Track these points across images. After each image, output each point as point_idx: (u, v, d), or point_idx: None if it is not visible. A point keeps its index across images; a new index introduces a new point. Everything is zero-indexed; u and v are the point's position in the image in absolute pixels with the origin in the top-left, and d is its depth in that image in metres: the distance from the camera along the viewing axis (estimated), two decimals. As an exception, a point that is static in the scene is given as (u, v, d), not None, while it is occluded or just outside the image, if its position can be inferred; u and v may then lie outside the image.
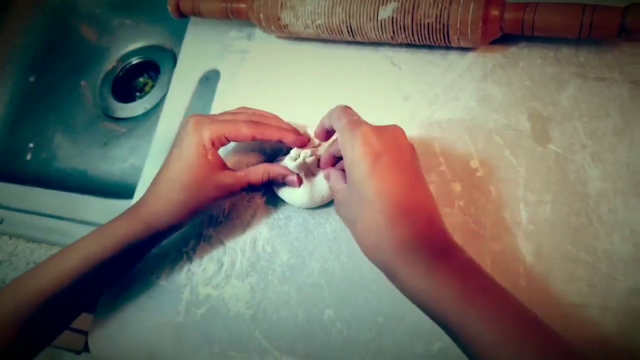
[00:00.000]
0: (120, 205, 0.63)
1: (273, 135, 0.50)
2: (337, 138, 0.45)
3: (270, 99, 0.60)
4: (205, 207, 0.50)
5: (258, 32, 0.65)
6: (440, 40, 0.53)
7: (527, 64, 0.52)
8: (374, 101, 0.56)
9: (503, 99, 0.51)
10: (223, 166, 0.50)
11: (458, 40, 0.52)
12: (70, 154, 0.95)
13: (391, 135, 0.41)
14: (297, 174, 0.50)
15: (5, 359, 0.46)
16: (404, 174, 0.40)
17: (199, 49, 0.67)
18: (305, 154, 0.50)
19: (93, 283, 0.50)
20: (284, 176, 0.50)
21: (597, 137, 0.47)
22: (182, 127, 0.50)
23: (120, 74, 1.01)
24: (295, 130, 0.53)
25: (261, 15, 0.60)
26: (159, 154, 0.62)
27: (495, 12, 0.50)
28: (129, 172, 0.88)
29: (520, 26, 0.50)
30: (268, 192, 0.55)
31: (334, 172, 0.47)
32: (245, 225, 0.55)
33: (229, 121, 0.50)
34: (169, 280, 0.55)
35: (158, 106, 0.94)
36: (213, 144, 0.49)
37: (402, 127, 0.53)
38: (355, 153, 0.40)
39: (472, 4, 0.50)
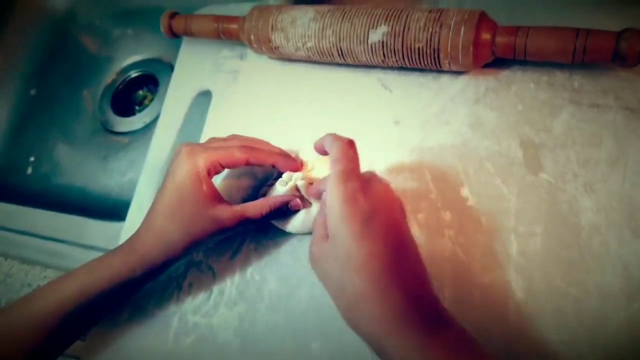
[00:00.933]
0: (116, 228, 0.63)
1: (267, 159, 0.50)
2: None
3: (261, 121, 0.60)
4: (201, 241, 0.49)
5: (250, 51, 0.64)
6: (431, 64, 0.52)
7: (520, 88, 0.51)
8: (365, 125, 0.55)
9: (495, 124, 0.50)
10: (219, 199, 0.49)
11: (449, 64, 0.51)
12: (70, 168, 0.95)
13: (381, 194, 0.40)
14: (297, 197, 0.49)
15: None
16: (394, 237, 0.38)
17: (191, 69, 0.67)
18: (296, 177, 0.49)
19: (87, 314, 0.49)
20: (286, 203, 0.49)
21: (590, 166, 0.46)
22: (175, 156, 0.49)
23: (120, 87, 1.01)
24: (288, 155, 0.52)
25: (252, 37, 0.59)
26: (150, 177, 0.62)
27: (486, 36, 0.49)
28: (127, 186, 0.88)
29: (513, 50, 0.49)
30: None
31: (318, 219, 0.44)
32: (235, 251, 0.54)
33: (222, 147, 0.49)
34: (159, 306, 0.55)
35: (156, 120, 0.94)
36: (208, 173, 0.48)
37: (392, 152, 0.53)
38: (343, 211, 0.38)
39: (462, 27, 0.49)
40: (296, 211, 0.50)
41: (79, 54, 1.03)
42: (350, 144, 0.42)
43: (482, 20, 0.49)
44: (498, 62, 0.51)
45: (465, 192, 0.49)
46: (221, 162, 0.48)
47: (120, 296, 0.50)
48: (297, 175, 0.49)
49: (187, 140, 0.63)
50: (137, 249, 0.49)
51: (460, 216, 0.48)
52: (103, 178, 0.92)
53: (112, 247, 0.63)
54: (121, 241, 0.59)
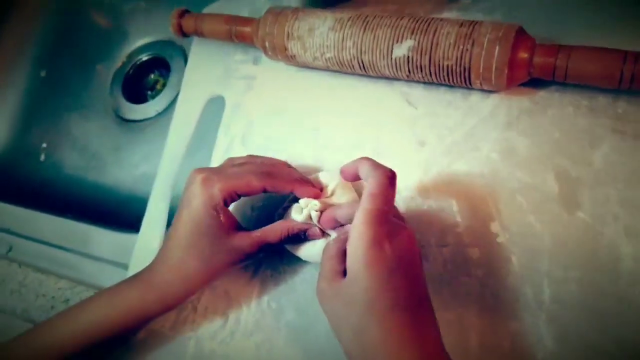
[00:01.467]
0: (131, 241, 0.61)
1: (285, 187, 0.47)
2: (347, 207, 0.42)
3: (277, 133, 0.57)
4: (221, 273, 0.48)
5: (264, 55, 0.60)
6: (461, 82, 0.48)
7: (557, 112, 0.47)
8: (387, 144, 0.52)
9: (528, 152, 0.46)
10: (237, 227, 0.47)
11: (480, 84, 0.47)
12: (82, 157, 0.93)
13: (405, 244, 0.37)
14: (318, 227, 0.46)
15: None
16: (415, 291, 0.37)
17: (203, 74, 0.63)
18: (312, 206, 0.46)
19: (101, 345, 0.48)
20: (304, 230, 0.46)
21: (632, 207, 0.42)
22: (189, 184, 0.47)
23: (131, 71, 0.97)
24: (307, 182, 0.49)
25: (267, 44, 0.55)
26: (163, 190, 0.60)
27: (523, 56, 0.45)
28: (140, 180, 0.86)
29: (552, 72, 0.45)
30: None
31: (329, 251, 0.42)
32: (250, 276, 0.52)
33: (238, 176, 0.46)
34: (174, 329, 0.53)
35: (169, 108, 0.91)
36: (224, 202, 0.45)
37: (417, 176, 0.49)
38: (369, 256, 0.36)
39: (497, 47, 0.44)
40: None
41: (89, 33, 0.99)
42: (392, 178, 0.39)
43: (519, 38, 0.45)
44: (534, 80, 0.47)
45: (495, 227, 0.46)
46: (238, 191, 0.45)
47: (136, 327, 0.49)
48: (312, 204, 0.46)
49: (200, 149, 0.61)
50: (155, 284, 0.47)
51: (489, 254, 0.45)
52: (115, 169, 0.90)
53: (125, 260, 0.62)
54: (134, 257, 0.58)
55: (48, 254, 0.65)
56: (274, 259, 0.52)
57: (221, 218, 0.45)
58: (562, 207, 0.44)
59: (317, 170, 0.51)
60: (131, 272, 0.57)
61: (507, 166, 0.47)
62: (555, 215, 0.44)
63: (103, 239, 0.64)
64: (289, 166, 0.50)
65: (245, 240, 0.46)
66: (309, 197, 0.47)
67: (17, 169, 0.95)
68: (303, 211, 0.46)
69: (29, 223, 0.68)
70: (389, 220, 0.38)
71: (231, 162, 0.50)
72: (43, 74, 1.00)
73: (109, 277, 0.61)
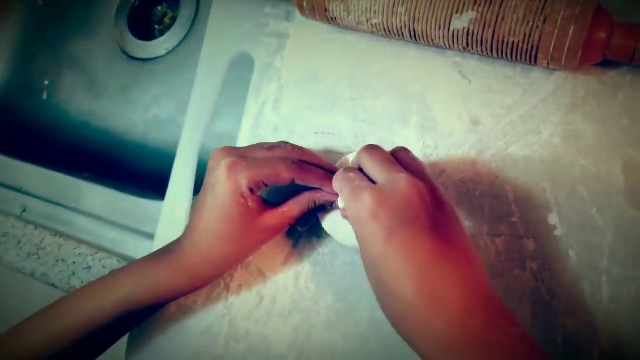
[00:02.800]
0: (152, 208, 0.59)
1: (315, 182, 0.44)
2: None
3: (312, 101, 0.53)
4: (253, 252, 0.47)
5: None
6: (525, 61, 0.44)
7: (629, 96, 0.43)
8: (436, 120, 0.48)
9: (594, 139, 0.43)
10: (265, 207, 0.45)
11: (548, 64, 0.43)
12: (88, 96, 0.89)
13: (401, 200, 0.35)
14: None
15: None
16: (425, 248, 0.34)
17: (228, 25, 0.58)
18: None
19: (125, 324, 0.48)
20: (331, 202, 0.45)
21: None
22: (213, 168, 0.44)
23: (137, 3, 0.90)
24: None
25: (305, 3, 0.50)
26: (186, 159, 0.56)
27: (601, 36, 0.40)
28: (152, 124, 0.82)
29: (630, 56, 0.41)
30: (312, 221, 0.50)
31: None
32: (287, 256, 0.50)
33: (267, 165, 0.43)
34: (206, 306, 0.52)
35: (180, 46, 0.86)
36: (252, 191, 0.43)
37: (469, 158, 0.46)
38: (365, 231, 0.36)
39: (572, 26, 0.40)
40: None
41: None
42: (346, 169, 0.41)
43: (598, 16, 0.40)
44: (605, 59, 0.43)
45: (553, 218, 0.43)
46: (265, 181, 0.43)
47: (162, 307, 0.48)
48: None
49: (228, 112, 0.56)
50: (184, 267, 0.45)
51: (545, 247, 0.43)
52: (125, 111, 0.86)
53: (147, 228, 0.60)
54: (160, 227, 0.56)
55: (65, 217, 0.63)
56: (311, 238, 0.50)
57: (249, 204, 0.43)
58: (627, 201, 0.42)
59: (347, 155, 0.47)
60: (157, 243, 0.55)
61: (570, 153, 0.44)
62: (619, 210, 0.42)
63: (126, 206, 0.60)
64: (321, 159, 0.47)
65: (274, 218, 0.45)
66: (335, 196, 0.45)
67: (19, 109, 0.91)
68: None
69: (43, 183, 0.65)
70: (371, 189, 0.36)
71: (260, 147, 0.46)
72: (40, 3, 0.93)
73: (132, 246, 0.59)
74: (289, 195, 0.46)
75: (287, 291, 0.49)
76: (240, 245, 0.45)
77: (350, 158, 0.46)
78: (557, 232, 0.43)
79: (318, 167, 0.45)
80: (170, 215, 0.56)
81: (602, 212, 0.42)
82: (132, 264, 0.48)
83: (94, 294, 0.46)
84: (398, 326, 0.35)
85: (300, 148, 0.46)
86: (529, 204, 0.44)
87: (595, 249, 0.42)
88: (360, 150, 0.42)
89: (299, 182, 0.44)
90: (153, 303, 0.46)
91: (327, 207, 0.46)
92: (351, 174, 0.40)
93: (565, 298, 0.42)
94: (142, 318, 0.49)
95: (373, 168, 0.39)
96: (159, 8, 0.91)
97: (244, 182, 0.42)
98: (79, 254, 0.61)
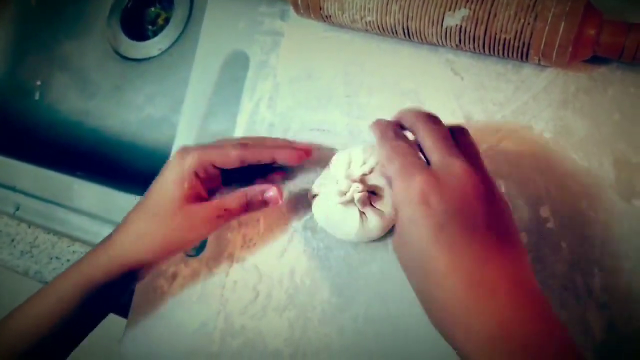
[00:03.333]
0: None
1: (264, 155, 0.45)
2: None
3: (307, 97, 0.53)
4: (180, 243, 0.46)
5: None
6: (517, 57, 0.45)
7: (618, 92, 0.44)
8: (429, 116, 0.49)
9: (585, 134, 0.44)
10: (200, 197, 0.46)
11: (539, 61, 0.44)
12: (81, 96, 0.89)
13: (457, 189, 0.34)
14: (277, 187, 0.46)
15: None
16: (477, 242, 0.33)
17: (223, 23, 0.58)
18: (354, 189, 0.44)
19: (74, 325, 0.47)
20: (262, 192, 0.46)
21: (694, 199, 0.41)
22: (171, 156, 0.46)
23: (130, 3, 0.90)
24: (289, 145, 0.48)
25: (299, 1, 0.50)
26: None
27: (590, 32, 0.41)
28: (146, 123, 0.82)
29: (619, 52, 0.41)
30: (307, 216, 0.50)
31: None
32: (282, 251, 0.51)
33: (214, 146, 0.45)
34: (202, 302, 0.52)
35: (173, 46, 0.86)
36: (196, 174, 0.44)
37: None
38: (414, 214, 0.34)
39: (562, 23, 0.41)
40: (351, 219, 0.45)
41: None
42: (395, 137, 0.38)
43: (587, 13, 0.41)
44: (594, 56, 0.44)
45: (545, 211, 0.44)
46: (214, 161, 0.45)
47: (102, 302, 0.47)
48: (354, 187, 0.44)
49: (223, 111, 0.57)
50: (109, 252, 0.46)
51: (538, 239, 0.44)
52: (118, 110, 0.86)
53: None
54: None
55: (58, 215, 0.62)
56: (306, 232, 0.50)
57: (184, 185, 0.44)
58: (618, 194, 0.42)
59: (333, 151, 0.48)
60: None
61: (561, 148, 0.44)
62: (610, 203, 0.42)
63: (119, 202, 0.61)
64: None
65: (205, 208, 0.45)
66: (294, 162, 0.47)
67: (11, 109, 0.90)
68: (346, 194, 0.43)
69: (36, 181, 0.65)
70: (424, 170, 0.35)
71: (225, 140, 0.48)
72: (33, 2, 0.93)
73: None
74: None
75: (283, 286, 0.50)
76: (164, 227, 0.45)
77: (342, 155, 0.46)
78: (549, 225, 0.44)
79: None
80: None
81: (594, 204, 0.43)
82: (77, 261, 0.48)
83: (52, 287, 0.46)
84: (437, 317, 0.34)
85: (259, 137, 0.47)
86: (521, 197, 0.45)
87: (586, 241, 0.42)
88: (416, 117, 0.39)
89: (249, 159, 0.45)
90: (87, 294, 0.45)
91: (310, 201, 0.47)
92: (404, 145, 0.37)
93: (558, 290, 0.42)
94: (92, 313, 0.48)
95: (428, 142, 0.36)
96: (152, 9, 0.91)
97: (189, 162, 0.44)
98: (73, 252, 0.61)
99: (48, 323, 0.45)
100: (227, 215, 0.46)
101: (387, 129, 0.39)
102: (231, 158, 0.45)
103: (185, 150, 0.46)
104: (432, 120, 0.38)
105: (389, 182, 0.39)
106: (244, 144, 0.46)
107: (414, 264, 0.35)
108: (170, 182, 0.45)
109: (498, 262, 0.33)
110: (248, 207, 0.46)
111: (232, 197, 0.46)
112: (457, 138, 0.38)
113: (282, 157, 0.47)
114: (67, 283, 0.45)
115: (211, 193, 0.48)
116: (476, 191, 0.34)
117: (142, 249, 0.45)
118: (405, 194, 0.34)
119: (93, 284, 0.45)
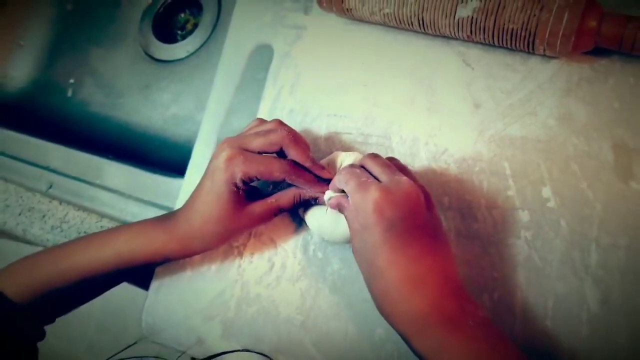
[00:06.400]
0: (172, 185, 0.62)
1: (304, 184, 0.49)
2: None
3: (326, 85, 0.57)
4: (239, 235, 0.54)
5: (316, 5, 0.59)
6: (523, 47, 0.48)
7: (618, 81, 0.47)
8: (441, 103, 0.52)
9: (586, 120, 0.47)
10: (255, 196, 0.50)
11: (544, 50, 0.47)
12: (110, 94, 0.93)
13: (404, 199, 0.41)
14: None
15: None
16: (415, 242, 0.41)
17: (251, 18, 0.62)
18: (328, 194, 0.48)
19: (116, 278, 0.52)
20: (315, 198, 0.49)
21: (688, 181, 0.43)
22: (215, 157, 0.49)
23: (161, 9, 0.95)
24: (321, 184, 0.50)
25: (323, -6, 0.54)
26: (207, 139, 0.60)
27: (592, 24, 0.45)
28: (170, 121, 0.87)
29: (619, 43, 0.44)
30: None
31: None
32: (297, 226, 0.54)
33: (262, 162, 0.47)
34: (220, 272, 0.55)
35: (200, 49, 0.90)
36: (244, 182, 0.48)
37: (469, 138, 0.50)
38: (367, 220, 0.41)
39: (566, 13, 0.44)
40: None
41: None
42: (351, 166, 0.46)
43: (589, 5, 0.44)
44: (596, 48, 0.47)
45: (547, 192, 0.47)
46: (259, 177, 0.48)
47: (147, 268, 0.53)
48: (329, 192, 0.48)
49: (248, 98, 0.60)
50: (177, 237, 0.50)
51: (539, 218, 0.46)
52: (145, 109, 0.90)
53: (167, 203, 0.64)
54: (180, 202, 0.59)
55: (88, 193, 0.66)
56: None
57: (240, 192, 0.48)
58: (616, 176, 0.45)
59: (365, 131, 0.51)
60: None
61: (563, 133, 0.47)
62: (608, 184, 0.45)
63: (147, 182, 0.64)
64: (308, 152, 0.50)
65: (261, 207, 0.50)
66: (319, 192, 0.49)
67: (45, 104, 0.95)
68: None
69: (68, 162, 0.69)
70: (377, 185, 0.41)
71: (258, 124, 0.51)
72: (69, 7, 0.99)
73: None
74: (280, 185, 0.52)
75: (296, 258, 0.53)
76: (227, 227, 0.49)
77: (339, 155, 0.50)
78: (550, 204, 0.46)
79: (306, 169, 0.49)
80: (189, 191, 0.59)
81: (593, 185, 0.45)
82: (131, 224, 0.52)
83: (97, 243, 0.51)
84: (381, 304, 0.42)
85: (293, 133, 0.49)
86: (524, 179, 0.47)
87: (585, 219, 0.45)
88: (363, 157, 0.47)
89: (289, 182, 0.48)
90: (145, 261, 0.50)
91: (312, 202, 0.50)
92: (358, 170, 0.44)
93: (557, 264, 0.45)
94: (132, 274, 0.52)
95: (377, 169, 0.44)
96: (182, 15, 0.96)
97: (238, 174, 0.47)
98: (101, 227, 0.64)
99: (100, 269, 0.49)
100: (279, 211, 0.50)
101: (346, 167, 0.46)
102: (274, 178, 0.48)
103: (232, 158, 0.47)
104: (375, 155, 0.46)
105: (342, 208, 0.45)
106: (289, 166, 0.48)
107: (366, 261, 0.42)
108: (224, 189, 0.47)
109: (430, 259, 0.41)
110: (299, 205, 0.50)
111: (287, 197, 0.50)
112: (395, 164, 0.46)
113: (312, 194, 0.49)
114: (131, 245, 0.50)
115: None
116: (418, 200, 0.42)
117: (206, 243, 0.50)
118: (362, 204, 0.41)
119: (156, 254, 0.50)
